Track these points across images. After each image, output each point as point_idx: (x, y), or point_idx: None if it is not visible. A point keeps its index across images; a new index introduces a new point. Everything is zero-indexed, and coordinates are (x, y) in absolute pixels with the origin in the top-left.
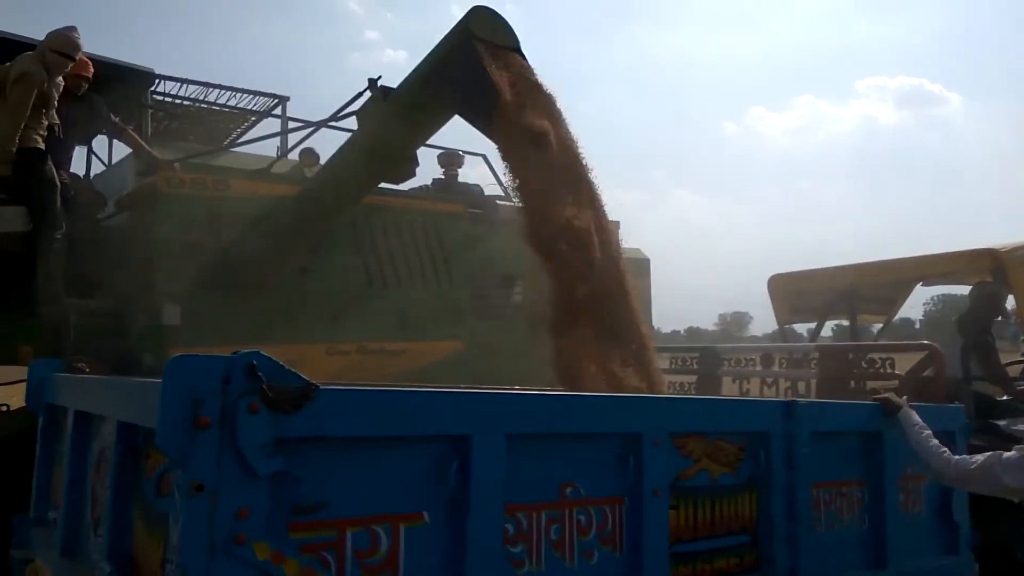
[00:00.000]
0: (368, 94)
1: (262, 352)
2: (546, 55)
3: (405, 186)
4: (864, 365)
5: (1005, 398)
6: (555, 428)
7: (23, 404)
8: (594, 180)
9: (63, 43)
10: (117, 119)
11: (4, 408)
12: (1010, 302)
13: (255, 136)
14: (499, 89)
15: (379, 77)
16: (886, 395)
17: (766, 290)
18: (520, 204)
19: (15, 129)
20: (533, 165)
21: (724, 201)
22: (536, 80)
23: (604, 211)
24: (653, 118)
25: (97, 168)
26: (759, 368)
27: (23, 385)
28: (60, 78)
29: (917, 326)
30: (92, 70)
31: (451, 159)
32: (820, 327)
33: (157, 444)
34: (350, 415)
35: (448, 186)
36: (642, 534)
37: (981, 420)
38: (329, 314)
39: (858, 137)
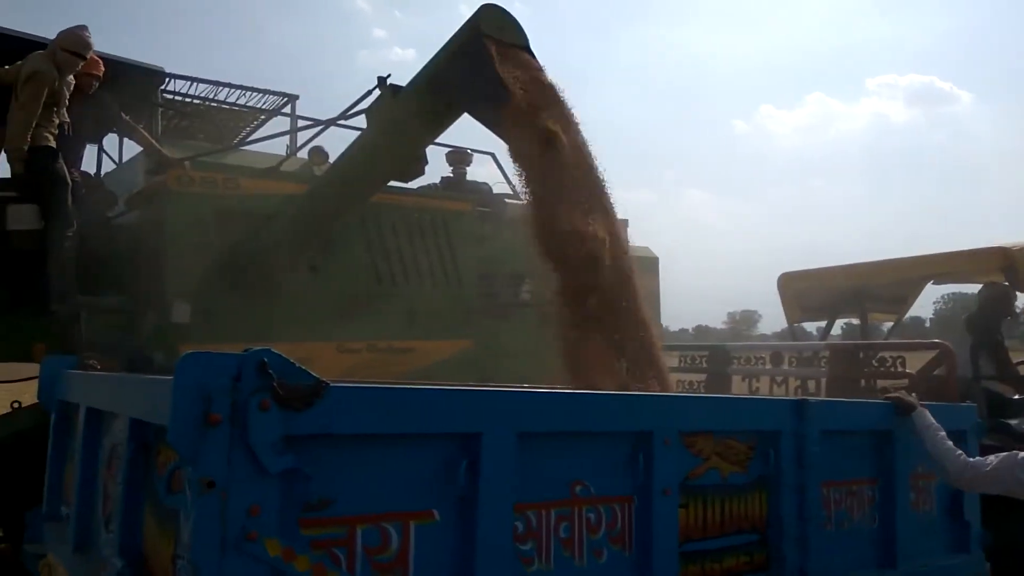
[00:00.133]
0: (377, 92)
1: (272, 350)
2: (554, 53)
3: (414, 184)
4: (875, 364)
5: (1017, 397)
6: (565, 426)
7: (35, 400)
8: (604, 180)
9: (74, 42)
10: (128, 117)
11: (17, 404)
12: (1020, 301)
13: (265, 135)
14: (509, 87)
15: (388, 75)
16: (898, 394)
17: (775, 288)
18: (530, 208)
19: (27, 127)
20: (544, 165)
21: (733, 199)
22: (546, 79)
23: (615, 213)
24: (661, 116)
25: (108, 166)
26: (769, 367)
27: (35, 382)
28: (71, 77)
29: (927, 325)
30: (103, 69)
31: (460, 157)
32: (830, 326)
33: (168, 441)
34: (360, 413)
35: (457, 184)
36: (651, 533)
37: (993, 419)
38: (338, 312)
39: (868, 135)
